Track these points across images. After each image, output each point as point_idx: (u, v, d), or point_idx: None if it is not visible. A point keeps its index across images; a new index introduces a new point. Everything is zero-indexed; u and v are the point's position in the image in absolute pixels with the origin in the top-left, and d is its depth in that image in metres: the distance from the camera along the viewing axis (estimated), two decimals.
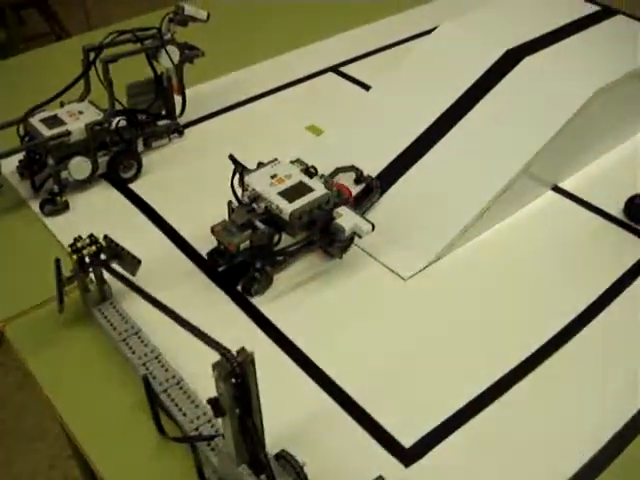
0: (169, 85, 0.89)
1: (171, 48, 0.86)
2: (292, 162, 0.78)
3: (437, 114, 0.87)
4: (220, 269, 0.74)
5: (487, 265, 0.76)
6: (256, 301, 0.72)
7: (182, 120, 0.95)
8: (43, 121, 0.82)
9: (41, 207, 0.81)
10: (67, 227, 0.79)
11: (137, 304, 0.67)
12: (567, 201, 0.84)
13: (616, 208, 0.82)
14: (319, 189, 0.73)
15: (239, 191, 0.75)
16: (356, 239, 0.74)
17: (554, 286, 0.73)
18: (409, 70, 0.94)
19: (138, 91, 0.88)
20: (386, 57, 1.11)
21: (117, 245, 0.67)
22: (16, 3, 2.24)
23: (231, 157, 0.76)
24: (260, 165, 0.77)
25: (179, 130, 0.93)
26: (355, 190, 0.82)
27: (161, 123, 0.91)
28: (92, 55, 0.82)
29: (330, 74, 1.08)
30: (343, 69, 1.09)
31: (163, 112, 0.90)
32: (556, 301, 0.71)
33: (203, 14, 0.87)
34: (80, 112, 0.83)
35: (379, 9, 1.25)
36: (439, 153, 0.84)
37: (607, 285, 0.73)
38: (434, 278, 0.74)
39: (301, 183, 0.74)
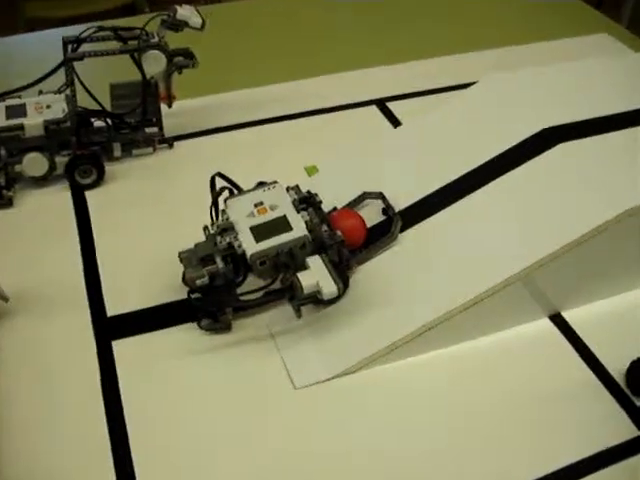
0: (157, 92, 0.81)
1: (155, 54, 0.77)
2: (289, 189, 0.67)
3: (445, 180, 0.72)
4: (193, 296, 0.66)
5: (426, 393, 0.60)
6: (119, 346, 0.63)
7: (177, 131, 0.86)
8: (8, 108, 0.77)
9: None
10: None
11: None
12: (562, 338, 0.65)
13: (619, 366, 0.62)
14: (298, 230, 0.62)
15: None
16: None
17: (508, 449, 0.56)
18: (443, 118, 0.78)
19: (122, 93, 0.81)
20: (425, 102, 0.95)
21: None
22: None
23: (220, 175, 0.67)
24: (258, 186, 0.67)
25: (167, 141, 0.85)
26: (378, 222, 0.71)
27: (149, 131, 0.83)
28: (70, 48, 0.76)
29: (371, 107, 0.94)
30: (389, 104, 0.94)
31: (134, 120, 0.81)
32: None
33: (197, 21, 0.77)
34: (48, 106, 0.77)
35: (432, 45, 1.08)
36: (438, 222, 0.69)
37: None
38: (340, 395, 0.60)
39: (283, 218, 0.63)
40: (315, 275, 0.60)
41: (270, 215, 0.64)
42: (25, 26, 1.67)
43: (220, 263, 0.63)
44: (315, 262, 0.61)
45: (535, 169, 0.68)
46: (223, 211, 0.66)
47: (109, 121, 0.80)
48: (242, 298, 0.63)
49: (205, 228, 0.66)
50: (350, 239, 0.67)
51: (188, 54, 0.80)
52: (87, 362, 0.62)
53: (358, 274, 0.67)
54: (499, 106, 0.75)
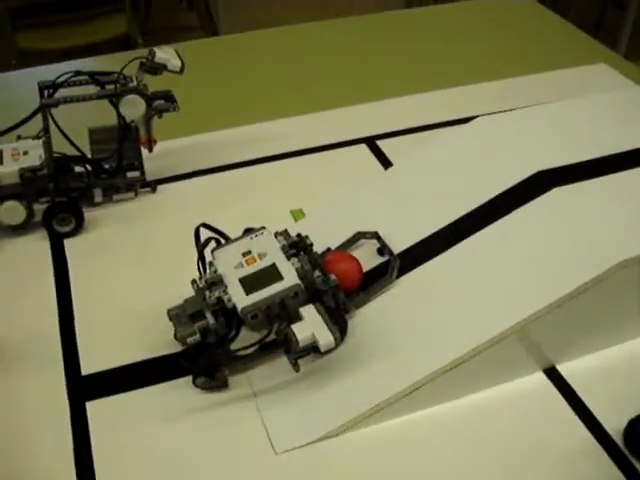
0: (137, 136, 0.79)
1: (133, 98, 0.74)
2: (277, 234, 0.65)
3: (438, 224, 0.69)
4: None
5: (414, 455, 0.57)
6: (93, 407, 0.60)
7: (160, 174, 0.84)
8: None
9: None
10: None
11: None
12: (557, 394, 0.62)
13: (617, 424, 0.59)
14: (289, 278, 0.59)
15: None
16: None
17: None
18: (434, 158, 0.76)
19: (102, 137, 0.79)
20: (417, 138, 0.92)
21: None
22: None
23: (205, 225, 0.65)
24: (245, 233, 0.65)
25: (150, 185, 0.83)
26: (374, 264, 0.68)
27: (130, 175, 0.81)
28: (46, 93, 0.74)
29: (360, 146, 0.91)
30: (379, 142, 0.91)
31: (113, 165, 0.79)
32: None
33: (176, 64, 0.75)
34: (25, 153, 0.75)
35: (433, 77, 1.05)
36: (431, 270, 0.66)
37: None
38: (323, 459, 0.57)
39: (272, 267, 0.61)
40: (310, 326, 0.57)
41: (259, 265, 0.61)
42: (18, 58, 1.65)
43: (211, 319, 0.60)
44: (309, 312, 0.59)
45: (529, 215, 0.66)
46: (210, 263, 0.64)
47: (88, 167, 0.78)
48: (238, 354, 0.60)
49: (193, 282, 0.63)
50: (346, 282, 0.65)
51: (169, 97, 0.78)
52: (60, 424, 0.59)
53: (351, 319, 0.65)
54: (492, 147, 0.72)
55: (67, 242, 0.77)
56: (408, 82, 1.05)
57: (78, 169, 0.79)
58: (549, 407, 0.61)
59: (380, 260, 0.69)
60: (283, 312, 0.59)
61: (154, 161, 0.84)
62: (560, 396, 0.62)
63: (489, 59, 1.12)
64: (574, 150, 0.69)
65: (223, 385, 0.62)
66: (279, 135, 0.92)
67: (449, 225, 0.69)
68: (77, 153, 0.79)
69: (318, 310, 0.59)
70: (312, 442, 0.57)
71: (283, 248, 0.63)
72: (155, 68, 0.75)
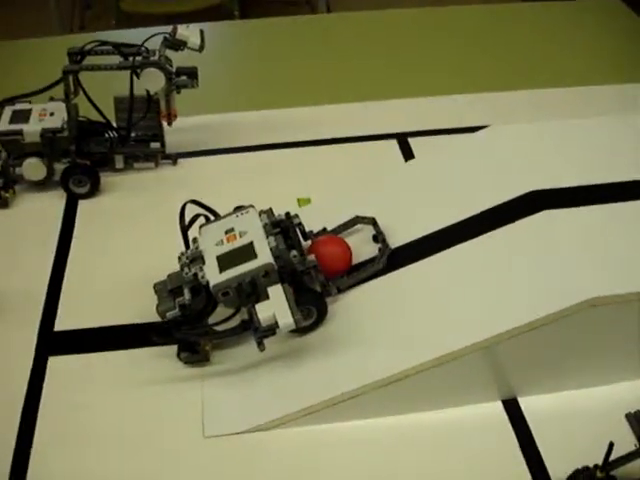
0: (159, 109, 0.81)
1: (153, 71, 0.76)
2: (262, 213, 0.65)
3: (430, 228, 0.67)
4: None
5: (337, 464, 0.56)
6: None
7: (185, 148, 0.86)
8: (14, 113, 0.80)
9: None
10: None
11: None
12: (509, 429, 0.58)
13: (562, 474, 0.54)
14: (262, 257, 0.59)
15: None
16: None
17: None
18: (443, 161, 0.74)
19: (125, 107, 0.81)
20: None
21: None
22: None
23: (194, 201, 0.67)
24: (234, 211, 0.66)
25: (171, 157, 0.85)
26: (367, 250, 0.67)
27: (151, 146, 0.83)
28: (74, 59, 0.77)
29: (390, 142, 0.89)
30: (411, 140, 0.89)
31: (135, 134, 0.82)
32: None
33: (195, 42, 0.76)
34: (52, 114, 0.79)
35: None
36: (413, 272, 0.65)
37: None
38: (247, 451, 0.57)
39: (249, 246, 0.61)
40: (273, 306, 0.57)
41: (238, 242, 0.61)
42: (118, 20, 1.73)
43: (187, 294, 0.61)
44: (275, 292, 0.58)
45: (514, 234, 0.62)
46: (195, 239, 0.65)
47: (112, 133, 0.81)
48: (214, 329, 0.61)
49: (179, 257, 0.64)
50: (332, 265, 0.64)
51: (192, 74, 0.79)
52: (19, 373, 0.63)
53: (336, 303, 0.64)
54: (497, 158, 0.69)
55: (81, 203, 0.80)
56: (462, 80, 1.01)
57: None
58: (497, 441, 0.58)
59: (373, 247, 0.67)
60: (254, 291, 0.59)
61: (179, 134, 0.86)
62: (512, 432, 0.58)
63: (539, 66, 1.05)
64: (582, 172, 0.64)
65: (205, 359, 0.62)
66: (309, 122, 0.91)
67: (440, 231, 0.67)
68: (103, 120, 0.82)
69: (285, 290, 0.58)
70: (241, 432, 0.58)
71: (265, 227, 0.63)
72: (176, 44, 0.77)
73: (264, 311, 0.57)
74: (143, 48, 0.77)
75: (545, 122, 0.73)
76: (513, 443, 0.57)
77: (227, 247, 0.61)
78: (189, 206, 0.66)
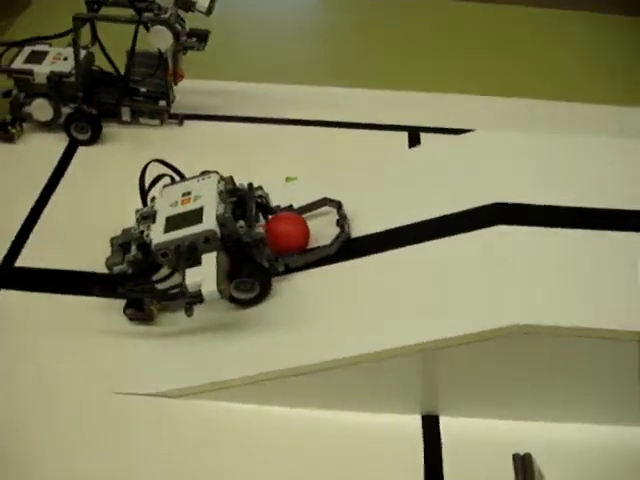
0: (167, 67, 0.81)
1: (161, 30, 0.76)
2: (221, 180, 0.64)
3: (396, 222, 0.64)
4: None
5: (232, 446, 0.55)
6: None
7: (194, 110, 0.86)
8: (32, 53, 0.82)
9: None
10: None
11: None
12: (420, 444, 0.55)
13: None
14: (206, 223, 0.59)
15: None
16: None
17: None
18: (425, 157, 0.71)
19: (138, 61, 0.82)
20: None
21: None
22: None
23: (159, 161, 0.67)
24: (199, 175, 0.65)
25: (177, 117, 0.85)
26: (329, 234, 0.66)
27: (162, 104, 0.84)
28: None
29: (401, 134, 0.86)
30: (423, 135, 0.85)
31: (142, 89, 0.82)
32: None
33: (203, 5, 0.76)
34: (65, 59, 0.81)
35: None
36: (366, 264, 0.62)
37: None
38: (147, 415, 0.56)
39: (198, 210, 0.61)
40: (202, 273, 0.57)
41: (190, 206, 0.61)
42: None
43: (133, 251, 0.61)
44: (208, 259, 0.58)
45: (468, 244, 0.58)
46: (153, 198, 0.65)
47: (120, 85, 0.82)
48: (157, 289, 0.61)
49: (137, 212, 0.65)
50: (286, 242, 0.64)
51: (202, 37, 0.79)
52: None
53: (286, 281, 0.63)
54: (479, 163, 0.65)
55: (81, 149, 0.82)
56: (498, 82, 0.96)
57: None
58: (403, 455, 0.55)
59: (335, 231, 0.65)
60: (192, 255, 0.59)
61: (192, 97, 0.86)
62: (421, 449, 0.55)
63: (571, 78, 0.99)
64: (555, 191, 0.60)
65: (150, 319, 0.63)
66: (326, 102, 0.90)
67: (403, 227, 0.64)
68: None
69: (218, 259, 0.58)
70: (149, 394, 0.58)
71: (221, 194, 0.62)
72: (186, 5, 0.76)
73: (192, 277, 0.57)
74: (155, 4, 0.77)
75: (536, 134, 0.68)
76: (418, 462, 0.55)
77: (179, 209, 0.61)
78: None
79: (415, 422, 0.57)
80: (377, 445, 0.55)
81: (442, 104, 0.91)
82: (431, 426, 0.57)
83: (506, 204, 0.59)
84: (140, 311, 0.63)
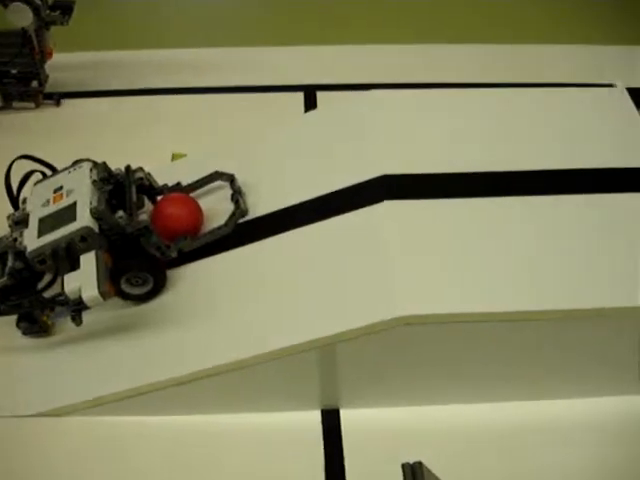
0: (33, 45, 0.74)
1: (18, 6, 0.70)
2: (93, 167, 0.58)
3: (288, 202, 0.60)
4: None
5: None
6: None
7: (70, 87, 0.80)
8: None
9: None
10: None
11: None
12: (319, 436, 0.54)
13: None
14: (80, 220, 0.53)
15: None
16: None
17: None
18: (317, 124, 0.66)
19: (2, 42, 0.75)
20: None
21: None
22: None
23: (27, 157, 0.61)
24: (71, 166, 0.59)
25: (53, 97, 0.79)
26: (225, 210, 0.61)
27: (34, 84, 0.78)
28: None
29: (296, 94, 0.81)
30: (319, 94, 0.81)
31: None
32: None
33: None
34: None
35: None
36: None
37: None
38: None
39: (72, 206, 0.55)
40: (80, 277, 0.52)
41: (62, 203, 0.56)
42: None
43: (11, 261, 0.56)
44: (87, 260, 0.53)
45: (353, 224, 0.55)
46: (25, 200, 0.60)
47: None
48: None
49: (8, 217, 0.59)
50: (176, 226, 0.59)
51: (67, 8, 0.72)
52: None
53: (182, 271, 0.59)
54: (369, 128, 0.61)
55: None
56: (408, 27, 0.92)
57: None
58: (303, 449, 0.53)
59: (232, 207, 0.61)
60: (71, 258, 0.54)
61: (67, 72, 0.80)
62: (321, 442, 0.54)
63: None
64: (460, 154, 0.56)
65: (45, 331, 0.58)
66: (214, 66, 0.84)
67: (291, 207, 0.60)
68: None
69: (97, 258, 0.53)
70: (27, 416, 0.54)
71: (94, 184, 0.56)
72: None
73: (70, 283, 0.52)
74: None
75: (441, 89, 0.64)
76: (319, 454, 0.53)
77: (52, 208, 0.56)
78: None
79: (315, 417, 0.55)
80: (278, 443, 0.54)
81: (341, 57, 0.86)
82: (331, 420, 0.55)
83: (394, 176, 0.55)
84: (33, 324, 0.58)
